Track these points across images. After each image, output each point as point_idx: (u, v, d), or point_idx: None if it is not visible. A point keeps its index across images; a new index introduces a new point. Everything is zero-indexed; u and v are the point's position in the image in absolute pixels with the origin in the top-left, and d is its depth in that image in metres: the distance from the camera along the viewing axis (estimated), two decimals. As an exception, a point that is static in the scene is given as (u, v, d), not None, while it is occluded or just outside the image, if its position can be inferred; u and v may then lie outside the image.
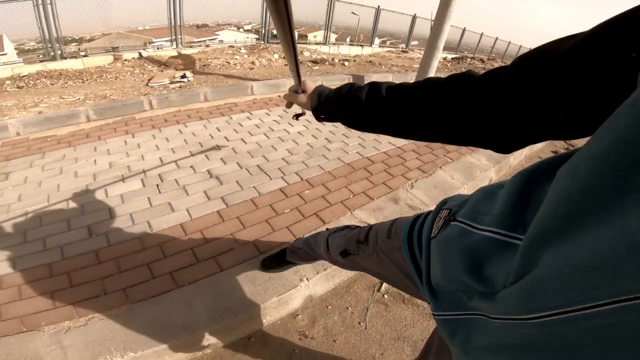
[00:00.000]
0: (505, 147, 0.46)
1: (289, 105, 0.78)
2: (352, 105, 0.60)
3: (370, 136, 2.67)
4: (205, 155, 2.28)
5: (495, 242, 0.41)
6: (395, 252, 0.69)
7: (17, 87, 3.75)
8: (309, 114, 0.75)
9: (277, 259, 1.40)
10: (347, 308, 1.45)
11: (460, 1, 3.37)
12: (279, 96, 3.49)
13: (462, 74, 0.48)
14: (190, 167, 2.14)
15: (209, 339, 1.24)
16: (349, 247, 0.87)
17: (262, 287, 1.35)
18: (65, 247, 1.51)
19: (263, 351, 1.28)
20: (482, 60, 8.84)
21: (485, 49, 13.03)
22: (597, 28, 0.33)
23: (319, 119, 0.69)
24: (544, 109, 0.37)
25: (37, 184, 1.95)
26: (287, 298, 1.36)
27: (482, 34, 12.01)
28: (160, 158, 2.23)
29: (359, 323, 1.39)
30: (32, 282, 1.35)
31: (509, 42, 14.51)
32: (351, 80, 4.54)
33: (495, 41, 13.36)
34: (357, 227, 0.98)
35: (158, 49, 5.25)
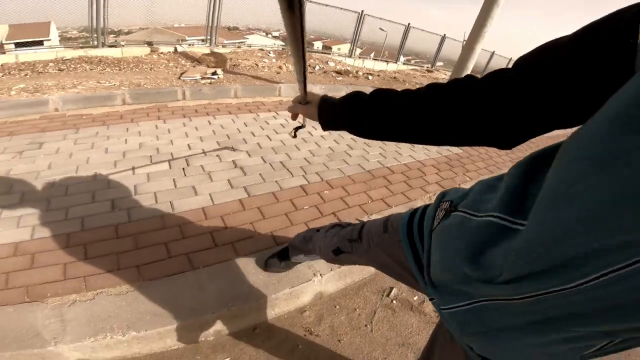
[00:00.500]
0: (508, 142, 0.47)
1: (294, 116, 0.77)
2: (358, 111, 0.60)
3: (391, 147, 2.69)
4: (232, 147, 2.34)
5: (495, 225, 0.41)
6: (395, 247, 0.69)
7: (59, 70, 3.93)
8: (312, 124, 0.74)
9: (280, 256, 1.38)
10: (355, 309, 1.44)
11: (493, 26, 3.39)
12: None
13: (464, 77, 0.49)
14: (217, 155, 2.20)
15: (215, 325, 1.24)
16: (342, 246, 0.87)
17: (276, 278, 1.35)
18: (86, 219, 1.54)
19: (266, 343, 1.27)
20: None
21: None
22: (591, 24, 0.35)
23: (324, 127, 0.68)
24: (549, 101, 0.39)
25: (68, 155, 2.03)
26: (299, 292, 1.36)
27: (510, 59, 11.98)
28: (188, 144, 2.30)
29: (365, 325, 1.38)
30: (47, 251, 1.36)
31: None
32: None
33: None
34: (349, 224, 0.98)
35: (190, 45, 5.43)
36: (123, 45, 4.77)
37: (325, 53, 7.29)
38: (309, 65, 5.46)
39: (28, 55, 4.17)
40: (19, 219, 1.51)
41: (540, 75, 0.39)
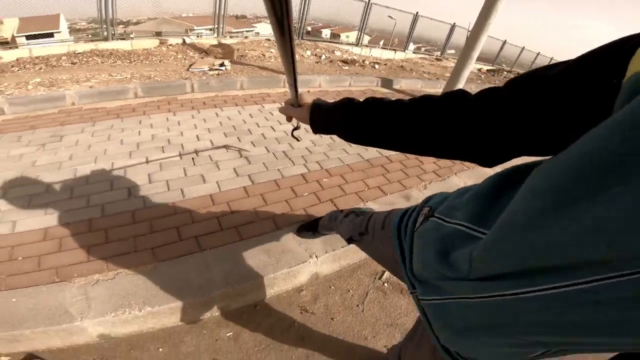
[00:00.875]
0: (490, 161, 0.49)
1: (289, 119, 0.78)
2: (352, 116, 0.61)
3: (392, 137, 2.77)
4: (238, 138, 2.46)
5: (461, 233, 0.46)
6: (388, 241, 0.74)
7: (72, 63, 4.07)
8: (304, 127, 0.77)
9: (310, 227, 1.54)
10: (349, 290, 1.54)
11: (498, 18, 3.38)
12: (308, 91, 3.64)
13: (456, 92, 0.50)
14: (224, 146, 2.33)
15: (220, 302, 1.35)
16: (353, 235, 0.95)
17: (275, 259, 1.48)
18: (106, 206, 1.68)
19: (266, 320, 1.38)
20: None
21: (525, 63, 12.63)
22: (584, 56, 0.37)
23: (315, 131, 0.69)
24: (533, 126, 0.40)
25: (86, 147, 2.19)
26: (296, 272, 1.48)
27: (523, 48, 11.67)
28: (197, 135, 2.43)
29: (357, 306, 1.48)
30: (73, 235, 1.50)
31: (551, 58, 13.99)
32: (379, 84, 4.52)
33: (537, 56, 12.90)
34: (363, 212, 1.06)
35: (198, 36, 5.51)
36: (132, 38, 4.88)
37: (332, 42, 7.27)
38: (315, 55, 5.50)
39: (41, 49, 4.31)
40: (46, 206, 1.66)
41: (529, 100, 0.40)
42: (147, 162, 2.07)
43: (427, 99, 0.53)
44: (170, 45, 5.00)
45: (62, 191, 1.77)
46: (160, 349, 1.24)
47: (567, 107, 0.37)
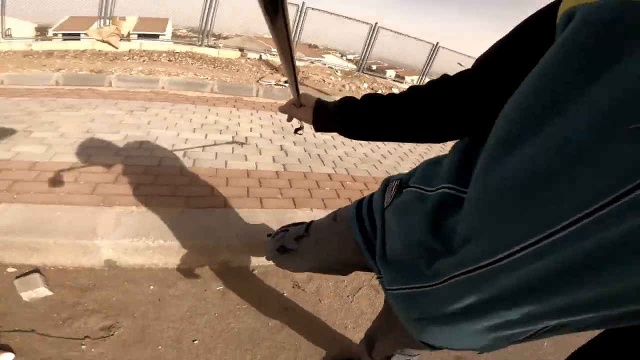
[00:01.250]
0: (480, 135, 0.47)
1: (289, 118, 0.77)
2: (349, 113, 0.62)
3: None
4: (282, 136, 2.82)
5: (449, 197, 0.44)
6: (344, 233, 0.70)
7: (169, 60, 4.89)
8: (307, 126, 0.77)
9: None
10: (344, 281, 1.59)
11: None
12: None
13: (439, 79, 0.53)
14: (269, 139, 2.70)
15: (223, 255, 1.46)
16: (287, 243, 0.87)
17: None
18: (162, 159, 2.04)
19: (258, 285, 1.47)
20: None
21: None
22: (526, 19, 0.41)
23: (317, 129, 0.70)
24: (505, 93, 0.39)
25: (163, 118, 2.68)
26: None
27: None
28: (250, 128, 2.84)
29: (348, 296, 1.52)
30: (129, 174, 1.77)
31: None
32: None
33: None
34: (296, 225, 0.96)
35: (273, 55, 6.22)
36: (220, 47, 5.70)
37: (393, 80, 7.59)
38: (372, 89, 5.85)
39: (150, 45, 5.25)
40: (117, 149, 2.08)
41: (493, 72, 0.43)
42: (205, 137, 2.48)
43: (414, 88, 0.56)
44: (248, 58, 5.73)
45: (134, 142, 2.20)
46: (152, 287, 1.34)
47: (520, 63, 0.37)
